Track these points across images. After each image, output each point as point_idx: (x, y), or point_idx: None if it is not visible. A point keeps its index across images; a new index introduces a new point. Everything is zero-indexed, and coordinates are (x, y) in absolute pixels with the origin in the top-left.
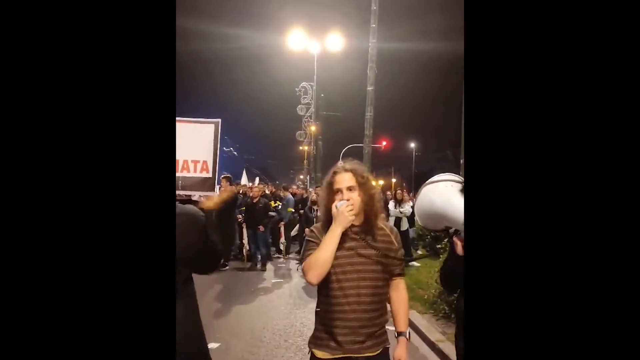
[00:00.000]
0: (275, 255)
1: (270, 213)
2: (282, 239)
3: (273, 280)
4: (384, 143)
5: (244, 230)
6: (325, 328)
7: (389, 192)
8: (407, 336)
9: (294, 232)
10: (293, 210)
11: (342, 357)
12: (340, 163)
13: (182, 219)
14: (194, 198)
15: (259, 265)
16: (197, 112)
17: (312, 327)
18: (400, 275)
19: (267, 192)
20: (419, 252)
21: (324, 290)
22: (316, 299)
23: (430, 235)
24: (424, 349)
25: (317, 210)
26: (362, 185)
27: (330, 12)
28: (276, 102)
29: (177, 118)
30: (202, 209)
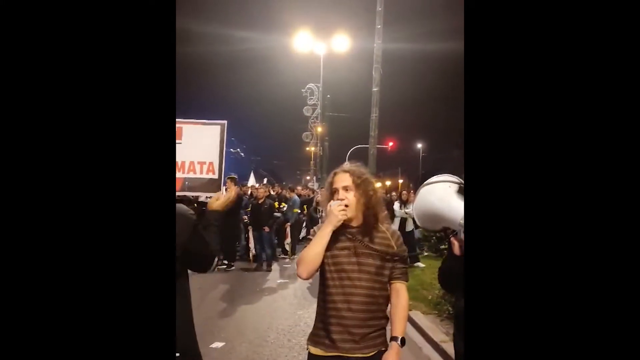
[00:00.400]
0: (281, 256)
1: (275, 214)
2: (288, 240)
3: (278, 281)
4: (391, 144)
5: (250, 231)
6: (322, 326)
7: (394, 193)
8: (400, 342)
9: (303, 234)
10: (299, 211)
11: (335, 355)
12: (346, 164)
13: None
14: (200, 199)
15: (264, 266)
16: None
17: None
18: (400, 279)
19: (271, 192)
20: (425, 253)
21: (323, 288)
22: None
23: (436, 236)
24: (428, 349)
25: (322, 210)
26: (359, 186)
27: (336, 13)
28: (283, 103)
29: (183, 120)
30: (207, 210)
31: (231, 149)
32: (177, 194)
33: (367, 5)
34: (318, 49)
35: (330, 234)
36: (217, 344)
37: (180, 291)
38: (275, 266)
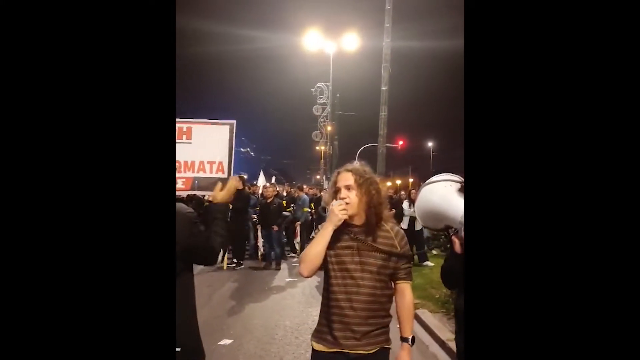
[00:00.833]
0: (290, 255)
1: (284, 213)
2: (297, 239)
3: (287, 279)
4: (401, 142)
5: (259, 230)
6: (326, 323)
7: (402, 192)
8: (410, 342)
9: (314, 234)
10: (309, 210)
11: (337, 351)
12: (349, 163)
13: None
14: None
15: (273, 265)
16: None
17: None
18: (404, 279)
19: (279, 191)
20: (434, 252)
21: (327, 286)
22: None
23: (445, 235)
24: (435, 347)
25: (327, 209)
26: (361, 185)
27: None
28: (292, 103)
29: (193, 120)
30: (211, 202)
31: (241, 148)
32: (187, 193)
33: (377, 4)
34: (328, 48)
35: (331, 233)
36: (226, 341)
37: (182, 288)
38: (283, 265)
